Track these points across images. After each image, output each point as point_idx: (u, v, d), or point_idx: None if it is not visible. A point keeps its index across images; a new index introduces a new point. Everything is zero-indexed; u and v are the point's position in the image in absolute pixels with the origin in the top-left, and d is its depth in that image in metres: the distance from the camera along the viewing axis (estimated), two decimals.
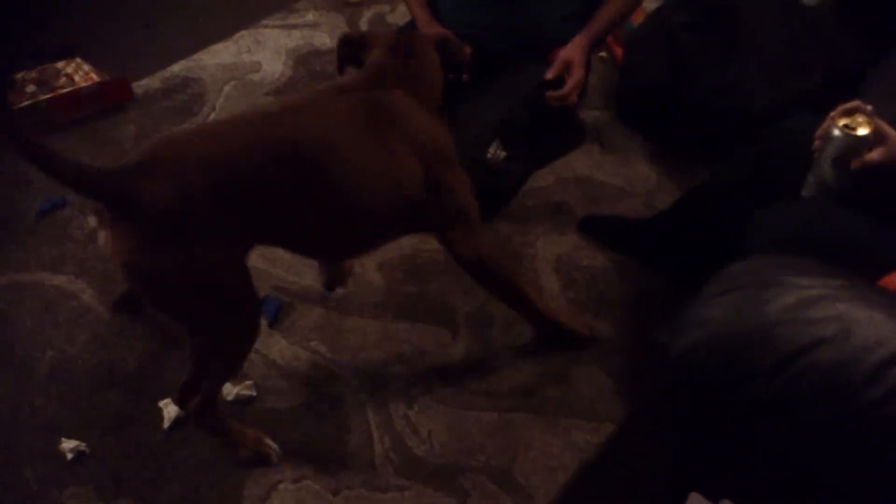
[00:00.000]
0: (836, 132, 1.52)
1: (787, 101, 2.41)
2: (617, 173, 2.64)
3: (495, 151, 2.35)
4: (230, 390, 1.92)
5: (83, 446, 1.80)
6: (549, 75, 2.27)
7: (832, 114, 1.56)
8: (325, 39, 3.35)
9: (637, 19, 3.01)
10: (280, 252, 2.26)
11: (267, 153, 1.49)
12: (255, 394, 1.93)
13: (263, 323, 2.10)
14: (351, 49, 1.84)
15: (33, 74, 2.75)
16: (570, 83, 2.25)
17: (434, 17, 2.39)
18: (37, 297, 2.16)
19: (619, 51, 3.09)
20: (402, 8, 3.56)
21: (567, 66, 2.27)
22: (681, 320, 1.26)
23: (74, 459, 1.78)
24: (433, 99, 1.80)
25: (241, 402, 1.91)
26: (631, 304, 2.18)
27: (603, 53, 3.17)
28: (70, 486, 1.74)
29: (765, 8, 2.58)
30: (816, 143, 1.58)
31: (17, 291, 2.17)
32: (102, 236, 1.45)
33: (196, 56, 3.23)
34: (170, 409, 1.87)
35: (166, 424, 1.86)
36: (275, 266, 2.26)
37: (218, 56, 3.24)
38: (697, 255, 1.66)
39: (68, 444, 1.79)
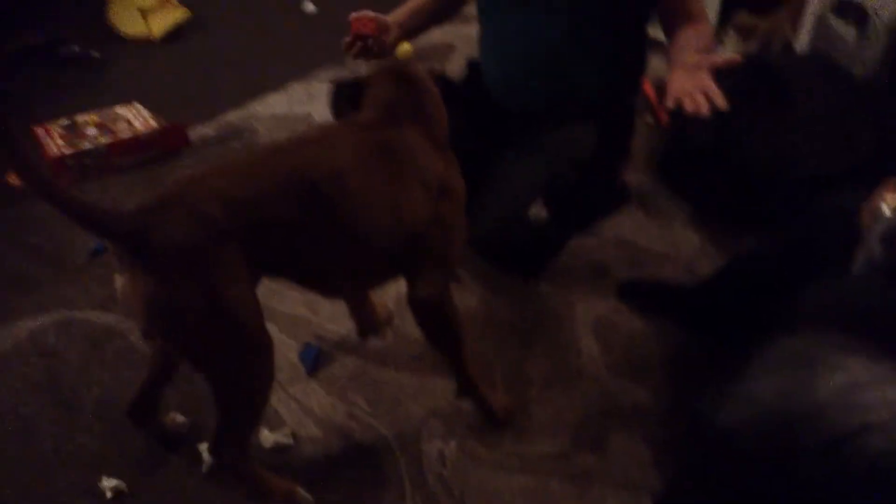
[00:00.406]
0: (885, 211, 1.53)
1: (835, 170, 2.41)
2: (660, 237, 2.64)
3: (537, 211, 2.37)
4: (268, 437, 1.94)
5: (123, 486, 1.83)
6: (670, 103, 1.84)
7: (881, 190, 1.56)
8: None
9: None
10: (320, 300, 2.30)
11: (280, 185, 1.51)
12: (292, 442, 1.95)
13: (302, 371, 2.13)
14: (347, 95, 1.83)
15: (94, 118, 2.84)
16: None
17: (478, 74, 2.41)
18: (85, 335, 2.21)
19: (663, 115, 3.12)
20: (455, 61, 3.64)
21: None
22: (726, 393, 1.26)
23: (114, 498, 1.81)
24: (442, 135, 1.80)
25: (278, 449, 1.93)
26: (670, 370, 2.18)
27: (648, 118, 3.20)
28: None
29: (813, 75, 2.60)
30: (865, 219, 1.58)
31: (67, 328, 2.23)
32: (119, 282, 1.45)
33: (250, 105, 3.33)
34: (209, 454, 1.89)
35: (205, 469, 1.88)
36: (316, 314, 2.30)
37: (271, 106, 3.33)
38: (739, 324, 1.66)
39: (108, 483, 1.82)
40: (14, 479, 1.85)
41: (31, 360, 2.14)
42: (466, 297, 2.29)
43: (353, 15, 2.06)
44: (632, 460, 1.92)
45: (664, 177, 2.91)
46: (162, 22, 3.58)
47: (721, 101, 1.68)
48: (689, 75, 1.78)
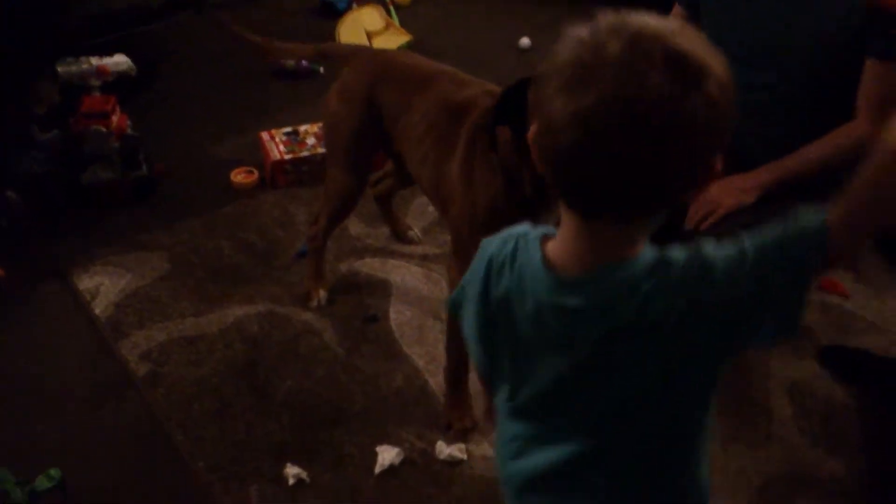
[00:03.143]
0: None
1: None
2: (869, 305, 2.48)
3: None
4: (443, 449, 1.98)
5: (304, 475, 1.92)
6: (691, 212, 1.92)
7: None
8: None
9: None
10: None
11: None
12: (465, 457, 1.98)
13: (481, 390, 2.15)
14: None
15: (314, 128, 3.02)
16: (698, 213, 1.90)
17: None
18: (285, 329, 2.35)
19: None
20: None
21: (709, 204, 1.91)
22: None
23: (295, 485, 1.90)
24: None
25: (450, 462, 1.97)
26: (868, 445, 2.03)
27: None
28: None
29: None
30: None
31: (270, 321, 2.38)
32: None
33: None
34: (384, 456, 1.95)
35: (378, 469, 1.94)
36: None
37: None
38: None
39: (292, 470, 1.92)
40: (207, 454, 1.98)
41: (234, 345, 2.29)
42: None
43: None
44: None
45: (881, 244, 2.73)
46: (385, 45, 3.76)
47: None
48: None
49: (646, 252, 0.91)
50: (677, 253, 0.90)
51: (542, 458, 1.06)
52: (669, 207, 0.90)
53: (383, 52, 2.60)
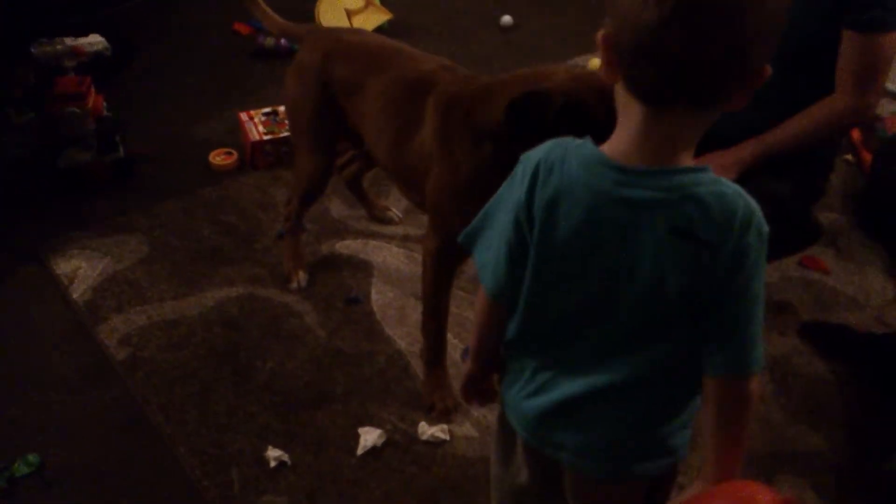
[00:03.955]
0: None
1: None
2: (850, 281, 2.49)
3: None
4: (425, 430, 1.97)
5: (286, 457, 1.91)
6: None
7: None
8: None
9: (893, 127, 2.86)
10: None
11: None
12: (447, 438, 1.97)
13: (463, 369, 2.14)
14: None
15: None
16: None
17: None
18: (265, 311, 2.33)
19: (867, 156, 2.93)
20: None
21: None
22: None
23: (276, 468, 1.89)
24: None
25: (433, 442, 1.96)
26: (849, 421, 2.04)
27: (848, 156, 3.02)
28: (268, 493, 1.85)
29: None
30: None
31: (250, 303, 2.36)
32: None
33: None
34: (366, 438, 1.95)
35: (360, 451, 1.93)
36: None
37: None
38: None
39: (273, 453, 1.91)
40: (188, 438, 1.97)
41: (214, 329, 2.27)
42: None
43: None
44: None
45: (862, 219, 2.74)
46: (365, 23, 3.72)
47: None
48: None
49: (710, 174, 0.99)
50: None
51: (558, 393, 1.13)
52: (725, 102, 0.95)
53: (335, 30, 2.58)
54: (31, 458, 1.88)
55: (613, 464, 1.15)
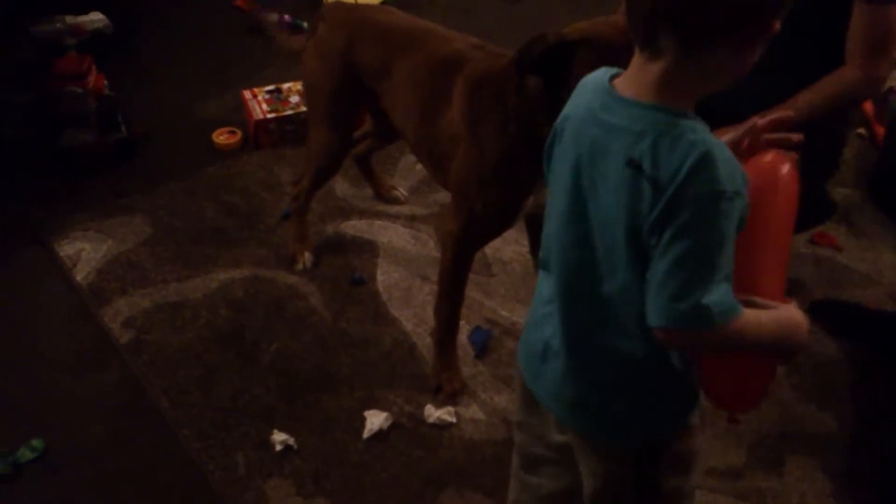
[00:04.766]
0: None
1: None
2: (862, 258, 2.45)
3: None
4: (432, 412, 1.95)
5: (291, 441, 1.89)
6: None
7: None
8: None
9: None
10: (494, 285, 2.30)
11: None
12: (454, 420, 1.96)
13: (471, 352, 2.13)
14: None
15: (298, 86, 2.95)
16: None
17: None
18: (270, 293, 2.31)
19: (880, 130, 2.88)
20: None
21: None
22: None
23: (282, 452, 1.88)
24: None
25: (439, 425, 1.94)
26: (860, 400, 2.02)
27: (861, 130, 2.97)
28: (274, 476, 1.84)
29: None
30: None
31: (255, 285, 2.34)
32: None
33: None
34: (373, 421, 1.93)
35: (366, 434, 1.92)
36: (490, 298, 2.29)
37: None
38: None
39: (279, 437, 1.89)
40: (192, 421, 1.95)
41: (219, 311, 2.25)
42: None
43: None
44: (810, 488, 1.80)
45: (875, 195, 2.69)
46: None
47: None
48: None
49: (691, 122, 1.00)
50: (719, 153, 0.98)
51: (548, 330, 1.19)
52: (711, 49, 0.97)
53: (359, 7, 2.53)
54: (36, 442, 1.87)
55: (583, 421, 1.20)
